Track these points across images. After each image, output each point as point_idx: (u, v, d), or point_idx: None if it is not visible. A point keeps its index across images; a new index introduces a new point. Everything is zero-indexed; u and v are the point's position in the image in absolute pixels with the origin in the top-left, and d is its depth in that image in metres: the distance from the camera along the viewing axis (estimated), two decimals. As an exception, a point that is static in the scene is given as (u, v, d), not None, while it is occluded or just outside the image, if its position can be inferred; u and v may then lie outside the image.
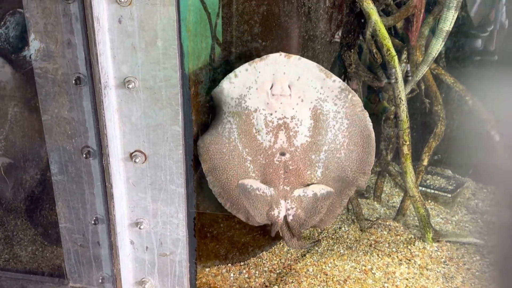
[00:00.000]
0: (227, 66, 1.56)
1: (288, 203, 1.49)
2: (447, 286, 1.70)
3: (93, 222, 1.52)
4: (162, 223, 1.55)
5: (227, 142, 1.48)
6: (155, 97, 1.37)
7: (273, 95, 1.41)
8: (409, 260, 1.82)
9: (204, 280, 1.72)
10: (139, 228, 1.55)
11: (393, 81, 1.76)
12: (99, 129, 1.38)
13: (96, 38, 1.28)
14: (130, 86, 1.35)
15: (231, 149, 1.48)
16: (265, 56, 1.40)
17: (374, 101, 2.09)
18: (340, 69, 1.88)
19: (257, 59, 1.41)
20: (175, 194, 1.50)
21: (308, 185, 1.49)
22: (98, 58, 1.30)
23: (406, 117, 1.80)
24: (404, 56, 1.99)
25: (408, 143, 1.83)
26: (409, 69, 1.97)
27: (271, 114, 1.43)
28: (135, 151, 1.44)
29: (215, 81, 1.57)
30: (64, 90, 1.37)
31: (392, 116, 2.05)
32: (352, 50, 1.80)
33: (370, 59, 1.96)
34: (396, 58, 1.72)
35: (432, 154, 2.02)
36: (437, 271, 1.77)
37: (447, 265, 1.80)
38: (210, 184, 1.57)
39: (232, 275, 1.75)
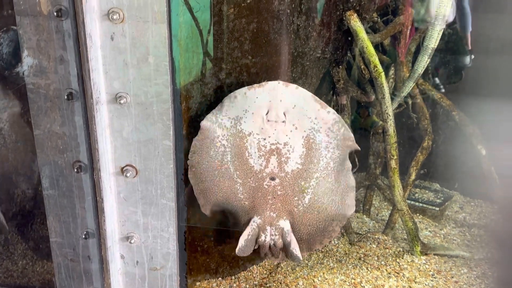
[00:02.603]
0: (217, 82, 1.58)
1: (272, 229, 1.50)
2: (435, 299, 1.72)
3: (83, 236, 1.53)
4: (153, 237, 1.55)
5: (220, 165, 1.50)
6: (147, 112, 1.38)
7: (268, 120, 1.44)
8: (398, 273, 1.84)
9: (194, 294, 1.73)
10: (130, 242, 1.55)
11: (380, 97, 1.79)
12: (91, 144, 1.39)
13: (88, 55, 1.30)
14: (122, 101, 1.37)
15: (222, 171, 1.50)
16: (264, 83, 1.43)
17: (363, 115, 2.12)
18: (329, 85, 1.91)
19: (255, 85, 1.44)
20: (165, 208, 1.51)
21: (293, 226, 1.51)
22: (90, 74, 1.32)
23: (394, 132, 1.83)
24: (391, 72, 2.03)
25: (395, 157, 1.86)
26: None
27: (265, 139, 1.45)
28: (126, 165, 1.46)
29: (206, 96, 1.59)
30: (56, 105, 1.38)
31: (380, 131, 2.08)
32: (340, 66, 1.84)
33: (359, 75, 1.99)
34: (383, 74, 1.76)
35: (419, 168, 2.05)
36: (426, 284, 1.78)
37: (435, 278, 1.82)
38: (202, 208, 1.59)
39: (222, 289, 1.76)
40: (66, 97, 1.37)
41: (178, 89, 1.44)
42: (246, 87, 1.44)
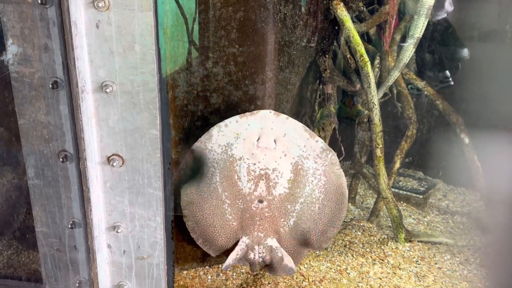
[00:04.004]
0: (204, 71, 1.58)
1: (260, 248, 1.55)
2: (419, 285, 1.74)
3: (70, 226, 1.52)
4: (140, 226, 1.55)
5: (208, 184, 1.54)
6: (133, 101, 1.37)
7: (258, 147, 1.49)
8: (383, 260, 1.86)
9: (181, 283, 1.73)
10: (117, 231, 1.55)
11: (366, 86, 1.80)
12: (76, 133, 1.38)
13: (74, 43, 1.28)
14: (108, 90, 1.35)
15: (211, 190, 1.54)
16: (255, 111, 1.50)
17: (349, 105, 2.14)
18: (316, 74, 1.92)
19: (247, 113, 1.50)
20: (152, 198, 1.51)
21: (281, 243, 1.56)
22: (75, 62, 1.30)
23: (379, 120, 1.85)
24: (376, 61, 2.04)
25: (381, 146, 1.88)
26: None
27: (255, 164, 1.50)
28: (112, 155, 1.45)
29: (193, 85, 1.59)
30: (41, 94, 1.37)
31: (365, 120, 2.10)
32: (326, 56, 1.84)
33: (344, 65, 2.00)
34: (369, 64, 1.77)
35: (404, 156, 2.07)
36: (410, 270, 1.81)
37: (419, 264, 1.85)
38: (185, 218, 1.61)
39: (209, 277, 1.77)
40: (51, 85, 1.35)
41: (164, 78, 1.43)
42: (237, 115, 1.50)
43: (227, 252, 1.59)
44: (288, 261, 1.53)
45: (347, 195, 1.57)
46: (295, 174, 1.51)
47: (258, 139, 1.49)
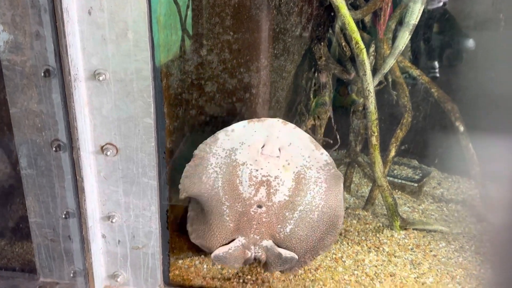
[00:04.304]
0: (198, 59, 1.56)
1: (256, 248, 1.57)
2: (414, 272, 1.75)
3: (63, 216, 1.51)
4: (135, 216, 1.54)
5: (210, 189, 1.54)
6: (126, 89, 1.36)
7: (262, 154, 1.50)
8: (378, 248, 1.87)
9: (177, 272, 1.72)
10: (111, 221, 1.54)
11: (361, 73, 1.79)
12: (69, 122, 1.36)
13: (65, 30, 1.26)
14: (101, 78, 1.34)
15: (213, 195, 1.54)
16: (263, 119, 1.50)
17: (343, 94, 2.12)
18: (311, 62, 1.90)
19: (255, 119, 1.51)
20: (147, 187, 1.50)
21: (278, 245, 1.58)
22: (67, 50, 1.29)
23: (375, 108, 1.84)
24: (372, 49, 2.03)
25: (376, 134, 1.87)
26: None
27: (257, 170, 1.51)
28: (106, 144, 1.44)
29: (187, 73, 1.57)
30: (32, 83, 1.35)
31: (360, 108, 2.09)
32: (322, 43, 1.83)
33: (339, 52, 1.99)
34: (364, 51, 1.76)
35: (399, 144, 2.07)
36: (405, 258, 1.82)
37: (414, 252, 1.86)
38: (189, 218, 1.64)
39: (205, 266, 1.76)
40: (43, 74, 1.33)
41: (158, 66, 1.41)
42: (245, 120, 1.50)
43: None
44: (288, 253, 1.54)
45: (343, 214, 1.59)
46: (296, 183, 1.53)
47: (263, 146, 1.50)
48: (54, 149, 1.41)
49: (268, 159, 1.50)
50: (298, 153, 1.51)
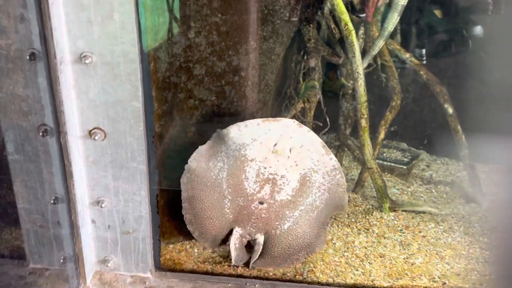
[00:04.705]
0: (186, 41, 1.54)
1: (248, 237, 1.60)
2: (403, 253, 1.77)
3: (52, 201, 1.50)
4: (124, 201, 1.54)
5: (214, 179, 1.55)
6: (113, 72, 1.34)
7: (273, 152, 1.52)
8: (368, 230, 1.88)
9: (168, 257, 1.72)
10: (101, 206, 1.53)
11: (350, 55, 1.79)
12: (56, 106, 1.34)
13: (50, 12, 1.24)
14: (87, 61, 1.32)
15: (215, 185, 1.55)
16: (279, 118, 1.55)
17: (333, 78, 2.12)
18: (300, 45, 1.89)
19: (270, 118, 1.54)
20: (136, 171, 1.49)
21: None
22: (52, 32, 1.26)
23: (364, 90, 1.84)
24: (361, 31, 2.02)
25: (366, 116, 1.88)
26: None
27: (265, 168, 1.53)
28: (94, 128, 1.42)
29: (176, 56, 1.55)
30: (18, 67, 1.33)
31: (350, 92, 2.09)
32: (311, 25, 1.82)
33: (328, 35, 1.98)
34: (353, 32, 1.75)
35: (388, 127, 2.07)
36: (394, 239, 1.83)
37: (403, 233, 1.87)
38: (184, 210, 1.62)
39: (196, 250, 1.76)
40: (28, 57, 1.31)
41: (145, 49, 1.39)
42: (260, 119, 1.54)
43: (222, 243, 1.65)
44: (253, 257, 1.59)
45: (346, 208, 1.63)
46: (301, 184, 1.55)
47: (275, 145, 1.52)
48: (41, 134, 1.39)
49: (278, 158, 1.53)
50: (307, 155, 1.54)
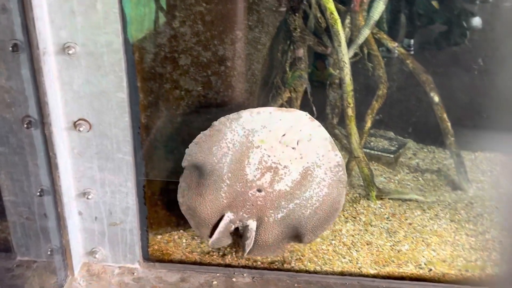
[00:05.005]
0: (171, 31, 1.53)
1: (240, 223, 1.59)
2: (390, 240, 1.78)
3: (38, 194, 1.49)
4: (111, 192, 1.53)
5: (215, 162, 1.53)
6: (97, 63, 1.33)
7: (280, 142, 1.51)
8: (355, 218, 1.89)
9: (156, 247, 1.73)
10: (87, 198, 1.53)
11: (336, 44, 1.79)
12: (40, 98, 1.33)
13: (32, 2, 1.22)
14: (70, 52, 1.31)
15: (215, 168, 1.53)
16: (292, 110, 1.55)
17: (321, 68, 2.12)
18: (286, 34, 1.89)
19: (284, 108, 1.54)
20: (122, 163, 1.48)
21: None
22: (35, 23, 1.25)
23: (350, 80, 1.84)
24: (347, 20, 2.02)
25: (352, 105, 1.88)
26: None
27: (269, 156, 1.52)
28: (78, 119, 1.41)
29: (160, 46, 1.54)
30: (0, 58, 1.31)
31: (337, 81, 2.09)
32: (296, 14, 1.81)
33: (315, 25, 1.97)
34: (339, 21, 1.75)
35: (375, 116, 2.08)
36: (381, 227, 1.85)
37: (390, 220, 1.89)
38: (180, 188, 1.60)
39: (184, 241, 1.77)
40: (11, 48, 1.29)
41: (129, 39, 1.39)
42: (273, 107, 1.54)
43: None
44: (248, 245, 1.57)
45: (340, 211, 1.61)
46: (302, 177, 1.54)
47: (284, 135, 1.52)
48: (25, 125, 1.38)
49: (283, 149, 1.52)
50: (314, 150, 1.54)
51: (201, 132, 1.53)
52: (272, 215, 1.56)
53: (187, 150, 1.55)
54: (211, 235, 1.60)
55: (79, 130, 1.41)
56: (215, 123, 1.53)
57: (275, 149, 1.52)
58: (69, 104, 1.39)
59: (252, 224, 1.57)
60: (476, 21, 2.04)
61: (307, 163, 1.54)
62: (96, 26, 1.28)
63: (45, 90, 1.32)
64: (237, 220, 1.57)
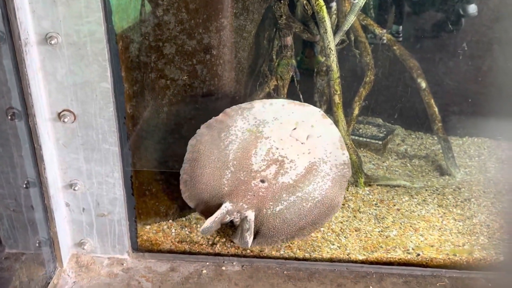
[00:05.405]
0: (155, 19, 1.52)
1: (238, 215, 1.58)
2: (378, 226, 1.80)
3: (24, 186, 1.48)
4: (98, 183, 1.53)
5: (222, 148, 1.54)
6: (80, 53, 1.32)
7: (290, 136, 1.52)
8: (343, 205, 1.90)
9: (145, 238, 1.73)
10: (74, 189, 1.52)
11: (322, 31, 1.78)
12: (23, 89, 1.32)
13: (12, -8, 1.21)
14: (53, 42, 1.29)
15: (221, 154, 1.54)
16: (306, 104, 1.55)
17: (309, 56, 2.12)
18: (272, 21, 1.88)
19: (297, 102, 1.55)
20: (109, 153, 1.48)
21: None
22: (16, 13, 1.23)
23: (337, 66, 1.84)
24: (334, 8, 2.01)
25: (339, 92, 1.88)
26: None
27: (277, 148, 1.53)
28: (63, 110, 1.40)
29: (144, 35, 1.53)
30: (-19, 49, 1.29)
31: (324, 68, 2.09)
32: (282, 1, 1.80)
33: (302, 12, 1.96)
34: (324, 8, 1.74)
35: (362, 103, 2.09)
36: (369, 213, 1.86)
37: (378, 207, 1.90)
38: (182, 170, 1.60)
39: (173, 230, 1.77)
40: (-9, 39, 1.28)
41: (112, 28, 1.37)
42: (287, 100, 1.56)
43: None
44: (249, 235, 1.56)
45: (340, 205, 1.61)
46: (306, 172, 1.55)
47: (294, 128, 1.52)
48: (9, 117, 1.36)
49: (292, 143, 1.53)
50: (322, 146, 1.55)
51: (213, 117, 1.54)
52: (271, 207, 1.57)
53: (198, 131, 1.55)
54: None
55: (63, 121, 1.40)
56: (228, 109, 1.54)
57: (283, 142, 1.53)
58: (53, 95, 1.38)
59: (251, 215, 1.57)
60: (472, 8, 2.04)
61: (314, 158, 1.55)
62: (78, 16, 1.27)
63: (28, 81, 1.31)
64: (234, 211, 1.56)
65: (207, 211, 1.60)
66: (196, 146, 1.57)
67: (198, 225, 1.79)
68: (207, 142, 1.55)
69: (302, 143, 1.53)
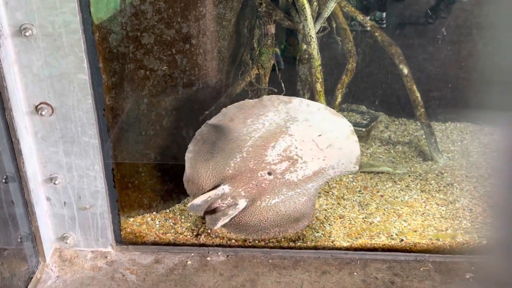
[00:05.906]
0: (132, 9, 1.49)
1: (230, 200, 1.58)
2: (362, 213, 1.80)
3: (3, 180, 1.45)
4: (78, 176, 1.51)
5: (244, 133, 1.52)
6: (56, 44, 1.30)
7: (313, 140, 1.52)
8: (327, 192, 1.91)
9: (129, 230, 1.71)
10: (54, 183, 1.50)
11: (302, 19, 1.77)
12: (-2, 82, 1.29)
13: (-17, -17, 1.18)
14: (27, 34, 1.27)
15: (240, 138, 1.52)
16: (340, 115, 1.54)
17: (293, 44, 2.10)
18: (252, 9, 1.86)
19: (334, 110, 1.53)
20: (89, 146, 1.46)
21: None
22: (-13, 5, 1.21)
23: (318, 54, 1.83)
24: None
25: (320, 80, 1.88)
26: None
27: (296, 148, 1.53)
28: (40, 103, 1.38)
29: (122, 25, 1.50)
30: (-47, 42, 1.27)
31: (306, 56, 2.08)
32: (261, -12, 1.79)
33: (284, 0, 1.94)
34: (304, -5, 1.72)
35: (345, 90, 2.08)
36: (353, 200, 1.87)
37: (362, 193, 1.91)
38: (199, 131, 1.57)
39: (157, 222, 1.76)
40: (-37, 32, 1.25)
41: (88, 18, 1.35)
42: (324, 105, 1.55)
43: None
44: (223, 220, 1.56)
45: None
46: (314, 174, 1.57)
47: (320, 135, 1.52)
48: (-15, 112, 1.34)
49: (313, 147, 1.53)
50: (338, 157, 1.56)
51: (247, 99, 1.52)
52: (268, 199, 1.57)
53: (223, 109, 1.51)
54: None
55: (41, 114, 1.38)
56: (264, 97, 1.51)
57: (304, 144, 1.53)
58: (29, 87, 1.36)
59: (242, 204, 1.57)
60: None
61: (326, 164, 1.57)
62: (52, 6, 1.24)
63: (3, 74, 1.28)
64: (230, 196, 1.56)
65: (198, 188, 1.60)
66: (217, 126, 1.53)
67: (183, 217, 1.79)
68: (229, 123, 1.52)
69: (321, 149, 1.54)
